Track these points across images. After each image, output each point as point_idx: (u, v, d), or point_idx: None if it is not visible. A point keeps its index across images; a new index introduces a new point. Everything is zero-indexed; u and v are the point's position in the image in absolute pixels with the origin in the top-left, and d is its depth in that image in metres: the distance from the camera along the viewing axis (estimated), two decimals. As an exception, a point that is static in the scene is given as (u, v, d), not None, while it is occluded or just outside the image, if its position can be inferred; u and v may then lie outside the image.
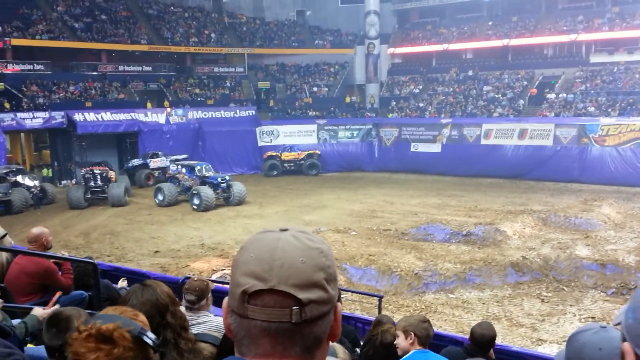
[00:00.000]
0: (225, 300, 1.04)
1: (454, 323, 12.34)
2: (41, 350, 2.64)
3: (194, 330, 3.68)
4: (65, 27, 35.30)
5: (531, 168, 31.16)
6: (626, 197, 25.48)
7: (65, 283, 4.86)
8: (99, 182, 26.05)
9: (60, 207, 25.74)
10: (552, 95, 34.08)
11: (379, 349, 3.31)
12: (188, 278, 5.67)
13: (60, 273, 5.01)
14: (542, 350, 9.48)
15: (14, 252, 5.02)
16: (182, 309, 3.92)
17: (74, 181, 28.33)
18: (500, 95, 36.03)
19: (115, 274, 7.45)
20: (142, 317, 1.59)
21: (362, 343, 3.51)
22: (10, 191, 24.00)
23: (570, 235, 18.64)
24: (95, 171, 26.27)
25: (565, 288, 14.56)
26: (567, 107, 32.58)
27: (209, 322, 3.76)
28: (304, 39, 43.95)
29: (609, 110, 30.92)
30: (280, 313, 0.95)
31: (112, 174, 27.13)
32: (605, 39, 35.24)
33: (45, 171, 31.73)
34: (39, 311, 3.52)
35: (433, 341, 3.74)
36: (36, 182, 26.07)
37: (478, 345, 4.10)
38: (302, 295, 0.96)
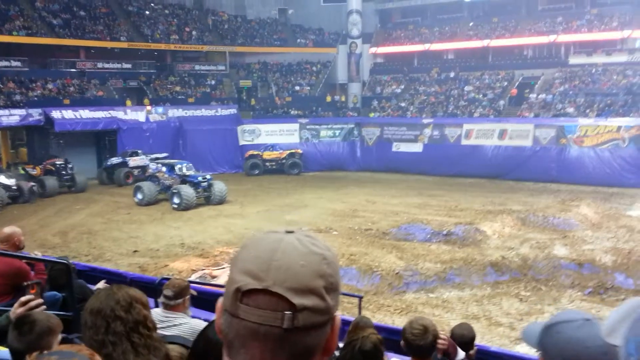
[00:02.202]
0: (220, 300, 1.00)
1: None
2: (5, 353, 2.56)
3: (169, 332, 3.61)
4: (43, 23, 34.68)
5: (511, 168, 31.45)
6: (603, 197, 25.83)
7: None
8: (69, 172, 28.36)
9: (36, 205, 25.31)
10: (532, 96, 34.44)
11: (357, 356, 3.26)
12: (165, 279, 5.59)
13: (33, 274, 4.89)
14: (520, 349, 9.53)
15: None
16: (157, 310, 3.85)
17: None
18: (481, 96, 36.32)
19: (92, 274, 7.34)
20: (98, 358, 1.53)
21: (341, 345, 3.46)
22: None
23: (548, 235, 18.85)
24: (58, 162, 28.39)
25: (543, 287, 14.70)
26: (546, 108, 32.95)
27: (185, 325, 3.71)
28: (286, 37, 43.81)
29: (587, 111, 31.33)
30: (272, 316, 0.91)
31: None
32: (584, 41, 35.72)
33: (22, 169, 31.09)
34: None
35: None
36: (12, 181, 25.60)
37: (457, 345, 4.08)
38: (297, 300, 0.91)
